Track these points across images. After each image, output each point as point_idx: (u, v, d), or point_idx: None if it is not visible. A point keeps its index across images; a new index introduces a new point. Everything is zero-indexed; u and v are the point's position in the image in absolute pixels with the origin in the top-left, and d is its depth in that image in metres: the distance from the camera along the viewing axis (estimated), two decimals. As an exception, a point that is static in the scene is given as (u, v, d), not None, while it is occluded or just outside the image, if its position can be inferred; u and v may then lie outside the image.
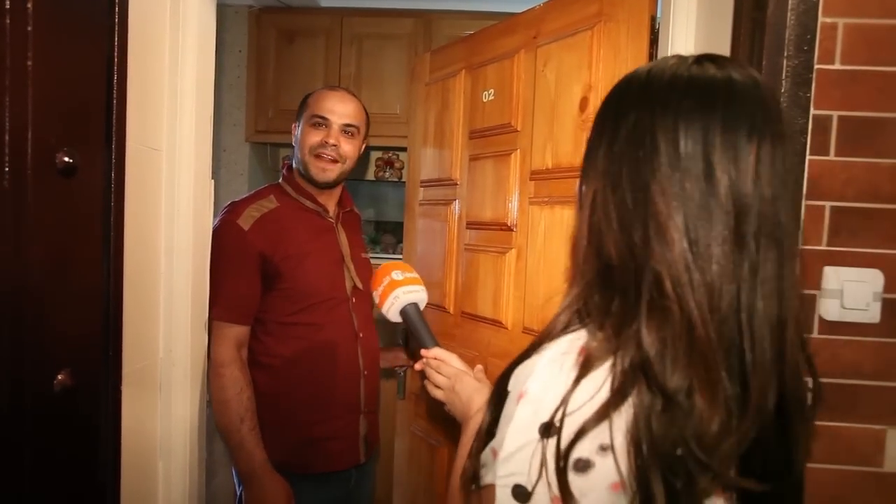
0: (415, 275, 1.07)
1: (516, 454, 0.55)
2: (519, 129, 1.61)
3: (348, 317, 1.50)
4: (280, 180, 1.57)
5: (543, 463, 0.53)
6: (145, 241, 1.14)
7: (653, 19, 1.29)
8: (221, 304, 1.38)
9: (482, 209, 1.72)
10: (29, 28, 0.79)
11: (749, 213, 0.54)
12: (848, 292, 1.01)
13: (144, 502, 1.17)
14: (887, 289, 1.01)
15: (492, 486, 0.57)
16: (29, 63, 0.79)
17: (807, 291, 1.02)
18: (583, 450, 0.52)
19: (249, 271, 1.40)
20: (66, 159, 0.87)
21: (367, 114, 1.58)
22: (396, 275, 1.03)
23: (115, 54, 0.99)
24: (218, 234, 1.40)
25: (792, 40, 1.02)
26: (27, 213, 0.80)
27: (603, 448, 0.52)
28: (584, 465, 0.52)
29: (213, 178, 1.32)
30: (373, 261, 1.69)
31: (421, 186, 2.06)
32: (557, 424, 0.53)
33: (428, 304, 1.92)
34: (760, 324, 0.54)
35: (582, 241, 0.62)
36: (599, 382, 0.54)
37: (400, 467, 2.12)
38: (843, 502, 1.03)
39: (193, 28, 1.22)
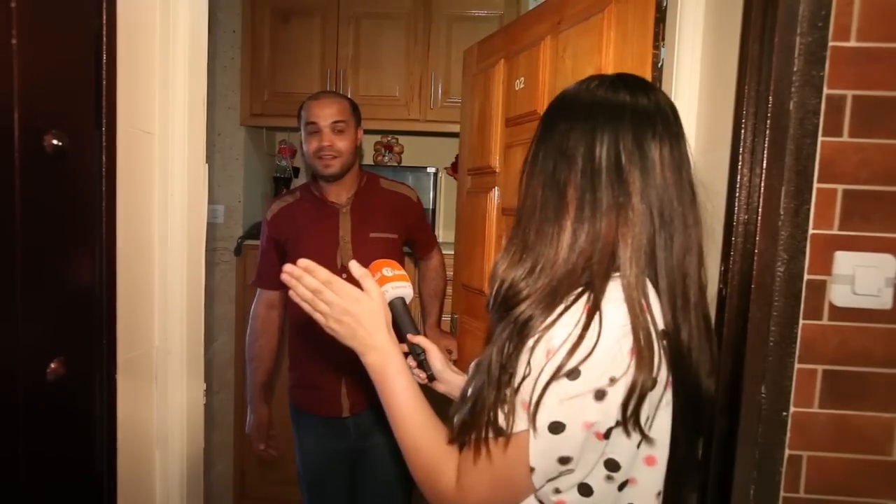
0: (402, 272, 1.16)
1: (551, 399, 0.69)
2: (544, 115, 1.61)
3: None
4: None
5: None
6: (138, 226, 1.11)
7: (659, -2, 1.26)
8: (256, 274, 1.92)
9: (514, 197, 1.73)
10: (13, 4, 0.76)
11: (652, 197, 0.74)
12: (859, 278, 0.99)
13: (141, 493, 1.16)
14: (900, 274, 0.99)
15: (524, 432, 0.70)
16: (13, 41, 0.76)
17: (817, 277, 1.00)
18: (597, 381, 0.68)
19: (270, 250, 1.85)
20: (55, 142, 0.84)
21: (353, 105, 1.86)
22: (387, 271, 1.12)
23: (104, 32, 0.96)
24: (263, 220, 1.89)
25: (805, 16, 0.98)
26: (15, 197, 0.77)
27: (612, 379, 0.68)
28: (601, 394, 0.68)
29: (207, 162, 1.29)
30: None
31: (468, 175, 2.12)
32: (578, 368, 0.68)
33: (467, 287, 2.04)
34: (670, 273, 0.76)
35: (519, 222, 0.81)
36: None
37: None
38: (851, 491, 1.01)
39: (185, 6, 1.18)
